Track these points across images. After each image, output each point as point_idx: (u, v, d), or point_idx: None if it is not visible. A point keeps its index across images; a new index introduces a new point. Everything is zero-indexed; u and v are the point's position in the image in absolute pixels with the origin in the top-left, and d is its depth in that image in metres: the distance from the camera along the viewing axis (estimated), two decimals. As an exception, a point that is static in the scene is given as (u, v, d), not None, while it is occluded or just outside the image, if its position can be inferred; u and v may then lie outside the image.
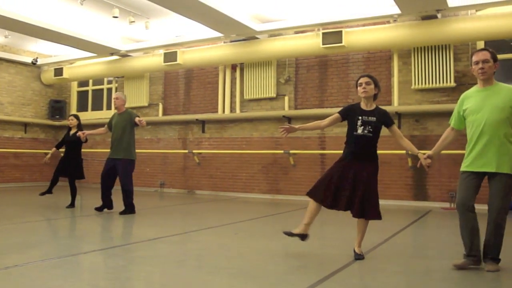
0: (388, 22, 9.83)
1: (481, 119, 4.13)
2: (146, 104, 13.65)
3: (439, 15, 9.25)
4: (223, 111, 12.23)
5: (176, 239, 5.69)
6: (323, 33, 10.09)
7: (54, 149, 9.07)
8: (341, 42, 9.88)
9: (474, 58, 4.23)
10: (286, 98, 11.36)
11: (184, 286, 3.62)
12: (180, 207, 9.58)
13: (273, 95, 11.53)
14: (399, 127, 10.02)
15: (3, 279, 3.72)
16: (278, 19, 10.45)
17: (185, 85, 13.19)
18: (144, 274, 3.99)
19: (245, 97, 11.93)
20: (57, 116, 14.78)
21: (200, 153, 12.51)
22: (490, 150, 4.08)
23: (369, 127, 4.55)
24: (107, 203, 8.05)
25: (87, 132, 8.21)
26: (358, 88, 4.68)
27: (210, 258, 4.60)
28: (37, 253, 4.84)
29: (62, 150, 8.93)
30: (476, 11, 9.30)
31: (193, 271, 4.09)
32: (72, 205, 8.51)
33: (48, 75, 14.80)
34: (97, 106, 15.15)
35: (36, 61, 14.03)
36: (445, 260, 4.52)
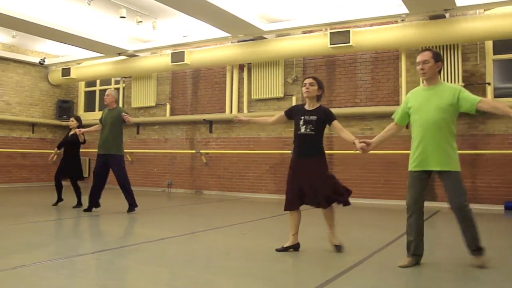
0: (396, 21, 9.78)
1: (424, 119, 4.26)
2: (153, 104, 13.67)
3: (447, 15, 9.18)
4: (231, 111, 12.22)
5: (184, 239, 5.68)
6: (331, 33, 10.06)
7: (56, 149, 9.19)
8: (348, 42, 9.84)
9: (417, 59, 4.40)
10: (294, 98, 11.32)
11: (191, 286, 3.60)
12: (187, 207, 9.58)
13: (281, 95, 11.51)
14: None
15: (11, 279, 3.73)
16: (285, 19, 10.42)
17: (193, 85, 13.20)
18: (151, 274, 3.99)
19: (252, 97, 11.91)
20: (65, 116, 14.83)
21: (207, 153, 12.51)
22: (434, 149, 4.20)
23: (311, 125, 4.79)
24: (95, 203, 7.99)
25: (83, 129, 8.39)
26: (302, 88, 4.96)
27: (217, 258, 4.59)
28: (44, 253, 4.86)
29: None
30: (485, 10, 9.23)
31: (200, 271, 4.08)
32: (79, 204, 8.55)
33: (56, 75, 14.87)
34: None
35: (44, 61, 14.10)
36: (454, 260, 4.49)
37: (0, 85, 13.89)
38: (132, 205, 7.99)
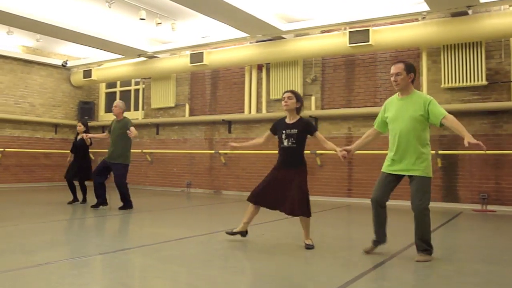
0: (417, 19, 9.65)
1: (398, 128, 4.54)
2: (172, 104, 13.77)
3: (469, 11, 9.03)
4: (249, 111, 12.23)
5: (203, 239, 5.71)
6: (350, 32, 9.98)
7: (71, 154, 9.50)
8: (368, 41, 9.75)
9: (391, 71, 4.67)
10: (313, 98, 11.28)
11: (210, 286, 3.61)
12: (206, 207, 9.61)
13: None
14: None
15: (35, 276, 3.81)
16: (304, 18, 10.38)
17: (211, 85, 13.25)
18: (171, 274, 4.01)
19: (271, 97, 11.90)
20: (86, 117, 14.99)
21: (226, 154, 12.54)
22: (406, 156, 4.50)
23: (292, 139, 5.10)
24: (102, 200, 8.35)
25: (90, 135, 8.86)
26: (282, 102, 5.27)
27: (236, 258, 4.60)
28: (67, 251, 4.94)
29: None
30: (510, 6, 9.03)
31: (219, 271, 4.09)
32: (84, 200, 9.11)
33: (78, 77, 15.08)
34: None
35: (66, 63, 14.33)
36: (476, 264, 4.42)
37: (25, 87, 14.16)
38: (127, 205, 8.37)
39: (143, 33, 12.08)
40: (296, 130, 5.09)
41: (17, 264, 4.18)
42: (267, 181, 5.26)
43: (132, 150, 14.34)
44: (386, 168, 4.67)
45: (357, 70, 10.96)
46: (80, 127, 9.33)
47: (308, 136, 5.23)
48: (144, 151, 13.98)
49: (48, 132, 14.69)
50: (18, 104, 14.00)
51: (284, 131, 5.14)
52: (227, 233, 5.37)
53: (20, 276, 3.78)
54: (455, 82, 9.59)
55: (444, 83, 9.70)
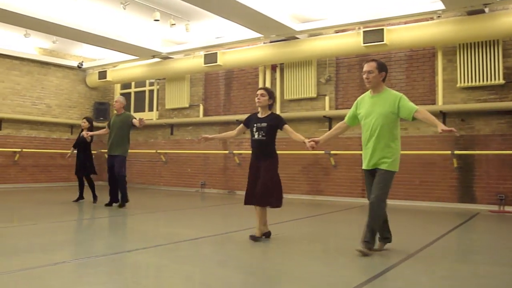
0: (432, 18, 9.56)
1: (369, 125, 4.73)
2: (187, 105, 13.83)
3: (486, 9, 8.91)
4: (263, 112, 12.20)
5: (217, 239, 5.72)
6: (364, 32, 9.93)
7: (72, 148, 9.99)
8: (382, 40, 9.69)
9: (363, 68, 4.81)
10: (327, 98, 11.24)
11: (225, 286, 3.62)
12: (220, 208, 9.63)
13: (314, 95, 11.44)
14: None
15: (52, 274, 3.86)
16: (318, 18, 10.35)
17: (225, 86, 13.27)
18: (186, 274, 4.03)
19: (285, 98, 11.88)
20: (101, 118, 15.16)
21: (240, 154, 12.55)
22: (376, 151, 4.68)
23: (262, 132, 5.44)
24: (115, 198, 8.81)
25: (90, 132, 9.19)
26: (255, 98, 5.66)
27: (250, 258, 4.60)
28: (83, 251, 4.99)
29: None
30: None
31: (233, 272, 4.10)
32: (95, 199, 9.33)
33: (93, 78, 15.23)
34: (139, 108, 15.45)
35: (82, 65, 14.48)
36: (494, 266, 4.36)
37: (42, 88, 14.36)
38: (123, 199, 8.67)
39: (157, 34, 12.16)
40: (266, 124, 5.44)
41: (36, 262, 4.24)
42: (249, 181, 5.53)
43: (146, 151, 14.60)
44: (363, 166, 4.88)
45: (372, 69, 10.87)
46: (85, 123, 9.62)
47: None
48: (158, 151, 14.06)
49: (64, 133, 14.86)
50: (35, 105, 14.19)
51: (255, 125, 5.51)
52: (251, 238, 5.41)
53: (38, 274, 3.84)
54: (472, 81, 9.47)
55: (460, 82, 9.60)
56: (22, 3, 9.78)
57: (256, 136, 5.50)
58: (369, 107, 4.78)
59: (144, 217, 7.91)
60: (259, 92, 5.67)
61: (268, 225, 5.57)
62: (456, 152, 9.46)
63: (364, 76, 4.78)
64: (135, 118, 8.55)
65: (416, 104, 10.53)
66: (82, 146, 9.52)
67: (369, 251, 4.63)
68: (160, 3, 9.73)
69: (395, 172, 4.70)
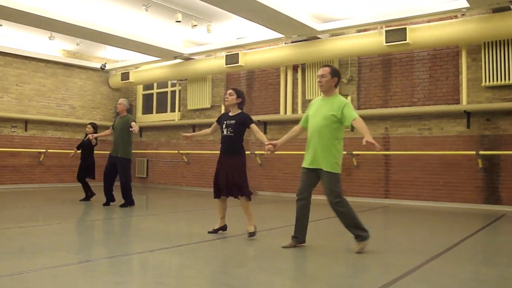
0: (456, 16, 9.41)
1: (313, 125, 4.99)
2: (208, 106, 13.89)
3: (512, 7, 8.75)
4: (285, 112, 12.21)
5: (239, 240, 5.73)
6: (386, 31, 9.84)
7: (75, 149, 10.51)
8: (405, 40, 9.58)
9: (318, 73, 5.09)
10: (349, 98, 11.14)
11: (246, 286, 3.62)
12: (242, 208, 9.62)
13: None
14: (468, 126, 9.59)
15: (73, 274, 3.93)
16: (339, 18, 10.28)
17: (247, 86, 13.29)
18: (208, 273, 4.04)
19: (306, 98, 11.84)
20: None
21: (262, 154, 12.55)
22: (317, 152, 4.90)
23: (230, 128, 5.78)
24: (110, 197, 9.06)
25: (95, 134, 9.57)
26: (224, 97, 6.02)
27: (272, 259, 4.59)
28: (107, 250, 5.05)
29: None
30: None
31: (255, 272, 4.10)
32: (87, 198, 9.92)
33: (116, 80, 15.43)
34: (161, 109, 15.60)
35: (105, 66, 14.68)
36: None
37: (66, 90, 14.61)
38: (127, 202, 8.89)
39: (179, 36, 12.25)
40: (234, 121, 5.80)
41: (61, 261, 4.31)
42: (215, 174, 5.88)
43: (168, 151, 14.70)
44: (303, 163, 5.08)
45: (394, 69, 10.78)
46: (90, 129, 10.10)
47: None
48: (180, 152, 14.16)
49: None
50: (59, 106, 14.45)
51: (225, 122, 5.86)
52: (210, 232, 5.95)
53: (63, 273, 3.90)
54: (497, 80, 9.30)
55: (485, 81, 9.43)
56: (47, 7, 9.96)
57: (225, 132, 5.84)
58: (316, 108, 5.05)
59: (167, 217, 7.97)
60: (228, 91, 6.04)
61: (224, 220, 6.07)
62: (481, 152, 9.30)
63: (318, 79, 5.04)
64: (134, 122, 8.81)
65: (440, 104, 10.50)
66: (86, 150, 10.07)
67: (363, 244, 4.81)
68: (182, 4, 9.80)
69: (339, 174, 4.92)
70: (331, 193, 4.85)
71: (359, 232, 4.84)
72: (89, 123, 10.39)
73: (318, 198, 5.59)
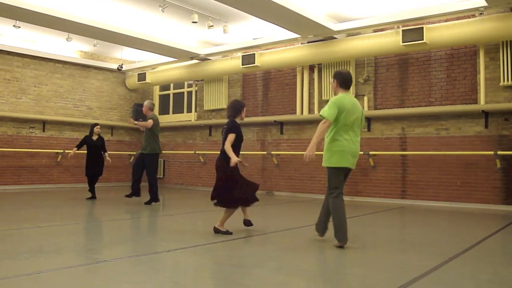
0: (473, 15, 9.30)
1: None
2: (225, 106, 13.91)
3: (531, 5, 8.61)
4: (301, 112, 12.19)
5: (256, 240, 5.74)
6: (403, 31, 9.76)
7: (75, 149, 10.61)
8: (422, 39, 9.49)
9: None
10: (366, 98, 11.10)
11: (263, 287, 3.63)
12: (258, 208, 9.63)
13: (352, 95, 11.30)
14: (486, 126, 9.48)
15: (95, 272, 3.99)
16: (356, 17, 10.24)
17: (263, 87, 13.30)
18: (224, 274, 4.06)
19: (323, 98, 11.80)
20: (141, 119, 15.40)
21: (278, 155, 12.56)
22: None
23: (223, 135, 6.29)
24: (135, 192, 9.40)
25: (140, 122, 9.84)
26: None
27: (289, 259, 4.60)
28: (124, 250, 5.10)
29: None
30: None
31: (272, 272, 4.11)
32: (93, 197, 10.28)
33: (132, 80, 15.56)
34: (177, 109, 15.69)
35: (122, 67, 14.79)
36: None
37: (83, 91, 14.78)
38: (152, 199, 9.25)
39: (195, 36, 12.30)
40: (224, 129, 6.30)
41: (78, 261, 4.38)
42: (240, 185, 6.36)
43: (184, 152, 14.79)
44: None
45: (411, 69, 10.70)
46: (98, 129, 10.58)
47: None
48: (197, 152, 14.23)
49: (105, 134, 15.12)
50: (76, 107, 14.62)
51: (223, 129, 6.37)
52: (246, 225, 6.35)
53: (80, 272, 3.96)
54: (516, 79, 9.17)
55: (504, 81, 9.30)
56: (64, 8, 10.09)
57: (222, 138, 6.33)
58: None
59: (183, 217, 8.02)
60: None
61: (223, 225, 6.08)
62: (499, 152, 9.18)
63: None
64: (146, 120, 9.41)
65: (457, 104, 10.40)
66: (96, 149, 10.36)
67: (344, 243, 5.02)
68: (198, 5, 9.84)
69: (333, 168, 5.28)
70: (328, 187, 5.33)
71: (339, 234, 5.07)
72: (98, 125, 10.74)
73: (320, 198, 5.59)
